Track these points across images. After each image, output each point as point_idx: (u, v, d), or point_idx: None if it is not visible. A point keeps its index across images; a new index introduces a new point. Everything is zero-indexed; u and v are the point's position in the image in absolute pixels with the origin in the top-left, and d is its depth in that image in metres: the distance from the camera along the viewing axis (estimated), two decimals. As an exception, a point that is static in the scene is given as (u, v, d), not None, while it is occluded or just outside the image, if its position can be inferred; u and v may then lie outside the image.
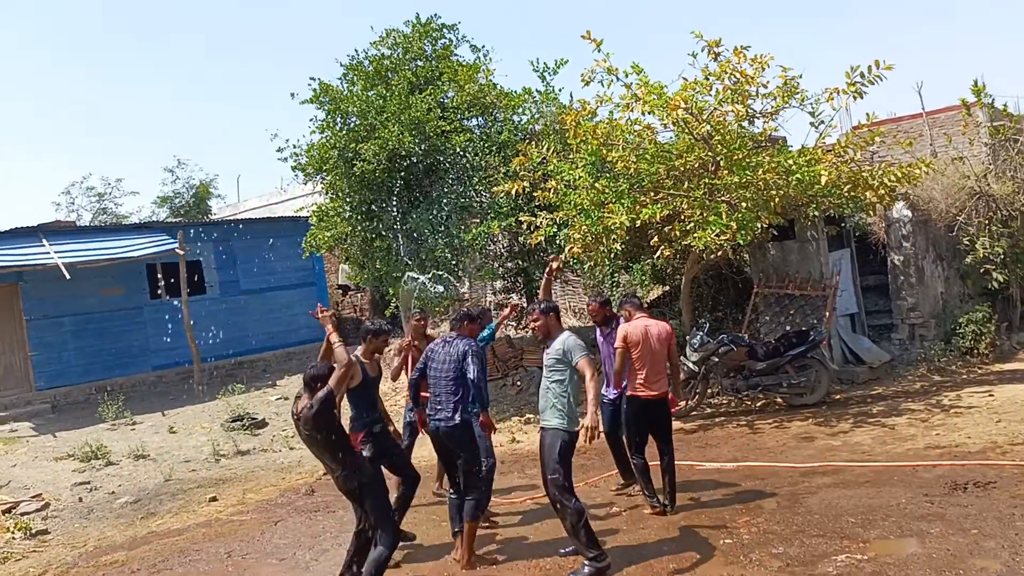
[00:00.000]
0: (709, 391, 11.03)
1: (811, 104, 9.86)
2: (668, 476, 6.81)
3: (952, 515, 5.85)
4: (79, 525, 8.49)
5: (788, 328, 11.61)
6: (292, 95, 14.06)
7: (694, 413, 10.71)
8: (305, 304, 18.69)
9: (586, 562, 5.51)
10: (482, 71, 13.19)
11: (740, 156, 9.65)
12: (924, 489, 6.52)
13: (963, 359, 11.76)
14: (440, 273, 12.18)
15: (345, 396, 6.21)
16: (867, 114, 10.38)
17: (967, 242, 12.30)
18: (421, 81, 13.25)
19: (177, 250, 15.58)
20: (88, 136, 62.97)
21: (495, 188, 11.81)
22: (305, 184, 15.35)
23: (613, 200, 9.97)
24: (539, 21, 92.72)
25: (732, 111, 9.63)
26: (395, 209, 12.87)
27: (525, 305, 14.42)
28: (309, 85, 13.07)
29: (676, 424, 9.85)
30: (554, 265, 7.57)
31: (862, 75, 9.29)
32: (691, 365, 10.54)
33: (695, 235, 9.39)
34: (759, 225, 9.47)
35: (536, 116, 13.11)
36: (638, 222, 9.81)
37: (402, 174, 12.63)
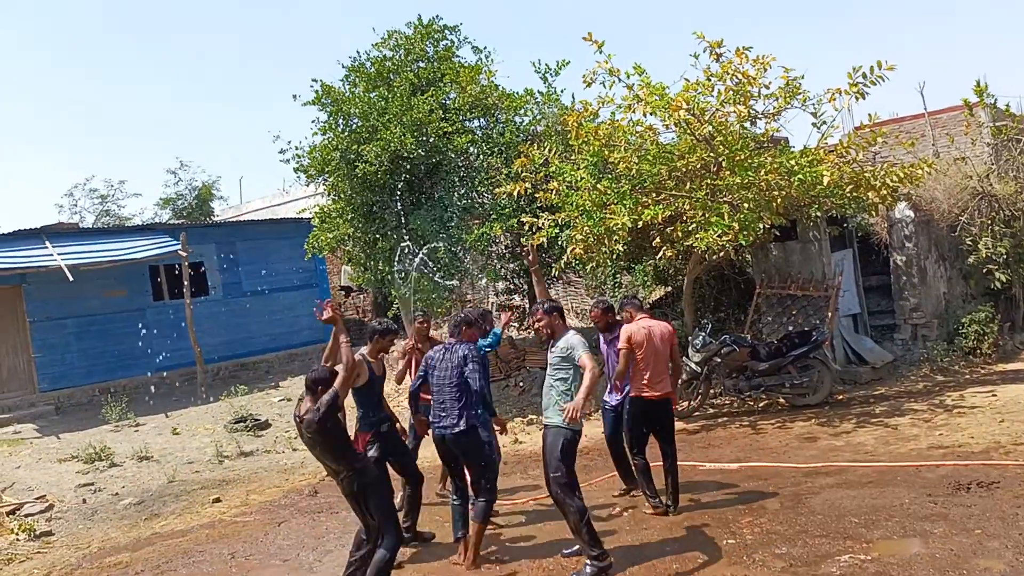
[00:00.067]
0: (712, 392, 11.02)
1: (813, 105, 9.87)
2: (671, 477, 6.81)
3: (955, 515, 5.85)
4: (83, 526, 8.50)
5: (790, 328, 11.61)
6: (294, 97, 14.18)
7: (697, 414, 10.71)
8: (307, 305, 18.66)
9: (588, 562, 5.52)
10: (484, 72, 13.20)
11: (742, 157, 9.65)
12: (927, 489, 6.52)
13: (966, 359, 11.77)
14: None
15: (350, 395, 6.22)
16: (869, 114, 10.41)
17: (970, 242, 12.30)
18: (423, 82, 13.27)
19: (180, 252, 15.60)
20: (91, 138, 63.09)
21: (497, 189, 11.81)
22: (307, 186, 15.37)
23: (615, 201, 9.98)
24: (540, 22, 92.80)
25: (734, 112, 9.64)
26: (398, 210, 12.88)
27: (527, 306, 14.45)
28: (311, 87, 13.11)
29: (679, 425, 9.85)
30: (531, 257, 7.51)
31: (864, 75, 9.29)
32: (693, 366, 10.54)
33: (697, 236, 9.40)
34: (761, 226, 9.47)
35: (538, 117, 13.12)
36: (640, 223, 9.82)
37: (404, 176, 12.64)
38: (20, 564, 7.46)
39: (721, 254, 10.28)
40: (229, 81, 72.75)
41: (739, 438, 9.35)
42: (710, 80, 9.74)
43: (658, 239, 10.16)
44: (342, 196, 13.17)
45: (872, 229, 12.60)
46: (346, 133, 12.80)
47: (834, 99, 9.61)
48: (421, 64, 13.57)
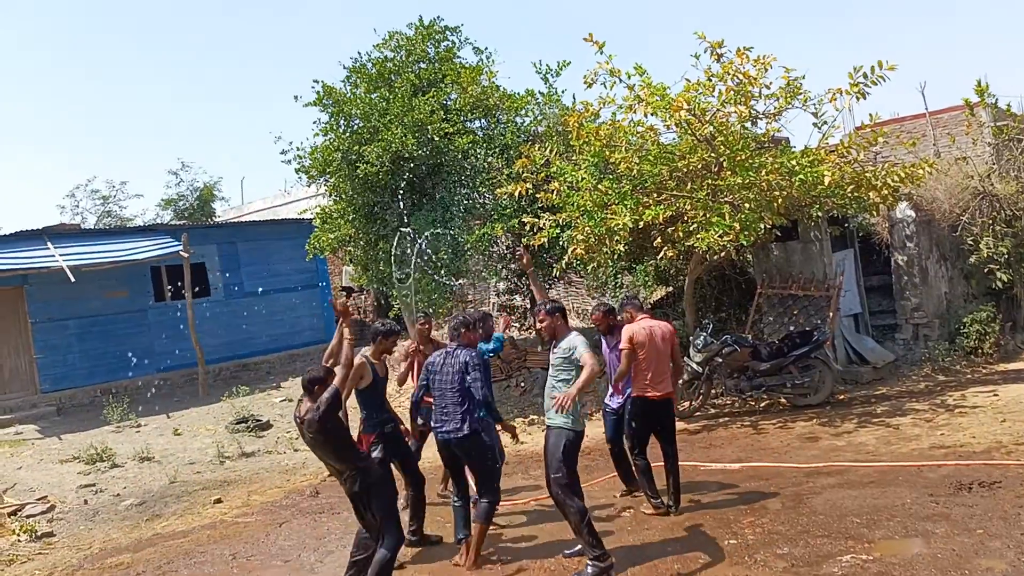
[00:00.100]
0: (713, 392, 11.02)
1: (814, 105, 9.86)
2: (672, 477, 6.81)
3: (957, 515, 5.84)
4: (84, 527, 8.51)
5: (792, 328, 11.61)
6: (296, 98, 14.14)
7: (698, 414, 10.71)
8: (309, 306, 18.74)
9: (589, 562, 5.51)
10: (485, 73, 13.21)
11: (743, 157, 9.65)
12: (929, 489, 6.51)
13: (967, 359, 11.76)
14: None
15: (353, 397, 6.23)
16: (870, 114, 10.40)
17: (971, 242, 12.30)
18: (424, 83, 13.27)
19: (181, 252, 15.61)
20: (92, 138, 63.16)
21: (498, 190, 11.81)
22: (309, 186, 15.39)
23: (616, 201, 9.98)
24: (541, 23, 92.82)
25: (735, 112, 9.64)
26: (399, 211, 12.89)
27: (528, 306, 14.45)
28: (312, 88, 13.12)
29: (680, 425, 9.86)
30: (524, 260, 7.49)
31: (865, 75, 9.28)
32: (695, 366, 10.54)
33: (698, 236, 9.39)
34: (762, 226, 9.47)
35: (539, 118, 13.12)
36: (641, 223, 9.82)
37: (405, 176, 12.64)
38: (22, 565, 7.47)
39: (722, 254, 10.27)
40: (230, 81, 72.83)
41: (740, 438, 9.35)
42: (711, 80, 9.74)
43: (659, 239, 10.16)
44: (343, 197, 13.18)
45: (873, 229, 12.59)
46: (347, 134, 12.81)
47: (835, 99, 9.61)
48: (422, 65, 13.58)
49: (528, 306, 14.80)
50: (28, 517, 8.76)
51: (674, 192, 10.12)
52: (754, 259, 12.90)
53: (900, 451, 7.93)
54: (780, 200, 9.57)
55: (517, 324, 15.47)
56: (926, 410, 9.46)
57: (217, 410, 13.95)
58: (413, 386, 7.34)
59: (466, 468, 6.25)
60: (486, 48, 13.87)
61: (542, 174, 11.12)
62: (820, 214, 10.78)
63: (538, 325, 6.01)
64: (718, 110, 9.81)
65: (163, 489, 9.74)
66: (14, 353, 15.19)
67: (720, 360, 10.53)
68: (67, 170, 56.04)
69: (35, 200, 57.52)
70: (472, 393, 5.89)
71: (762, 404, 10.86)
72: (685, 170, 10.14)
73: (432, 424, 6.16)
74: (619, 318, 7.16)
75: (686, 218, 9.82)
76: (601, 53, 9.89)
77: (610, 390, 7.34)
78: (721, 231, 9.17)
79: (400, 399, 12.25)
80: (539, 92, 12.99)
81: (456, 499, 6.35)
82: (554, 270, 11.95)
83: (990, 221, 12.37)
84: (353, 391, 6.23)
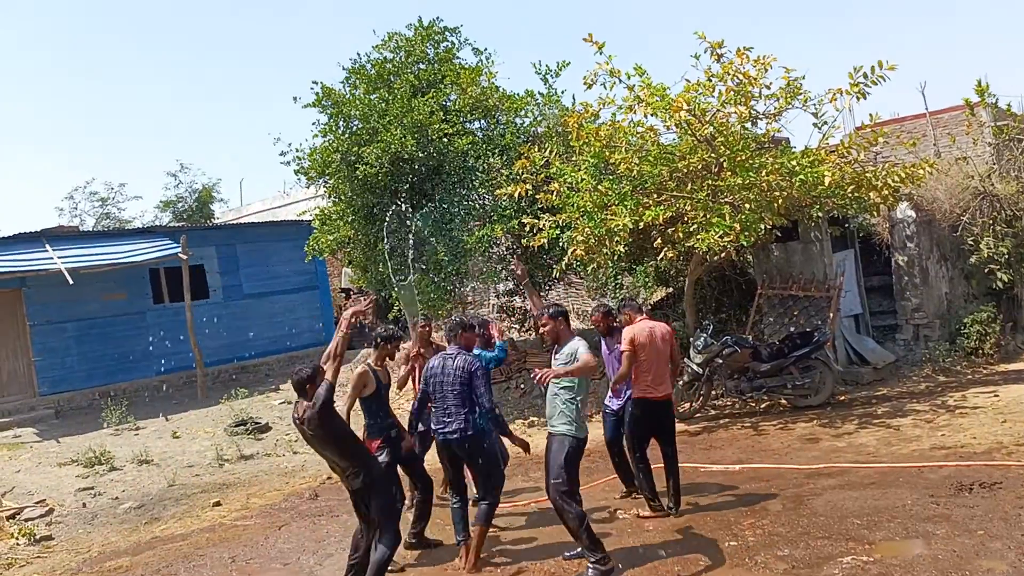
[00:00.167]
0: (713, 393, 11.00)
1: (814, 105, 9.85)
2: (672, 478, 6.80)
3: (958, 516, 5.82)
4: (83, 531, 8.49)
5: (792, 329, 11.59)
6: (295, 99, 14.11)
7: (698, 415, 10.69)
8: (308, 308, 18.72)
9: (590, 565, 5.50)
10: (484, 74, 13.20)
11: (743, 157, 9.64)
12: (929, 490, 6.49)
13: (968, 359, 11.74)
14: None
15: (358, 403, 6.21)
16: (870, 114, 10.39)
17: (971, 242, 12.28)
18: (423, 84, 13.26)
19: (180, 255, 15.60)
20: (91, 138, 63.17)
21: (498, 191, 11.80)
22: (308, 188, 15.37)
23: (616, 202, 9.96)
24: (541, 23, 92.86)
25: (735, 112, 9.63)
26: (399, 212, 12.86)
27: (528, 309, 14.42)
28: (311, 89, 13.10)
29: (681, 426, 9.84)
30: (518, 271, 7.44)
31: (865, 76, 9.27)
32: (695, 367, 10.52)
33: (698, 237, 9.38)
34: (762, 226, 9.45)
35: (538, 119, 13.11)
36: (641, 224, 9.80)
37: (405, 177, 12.63)
38: (20, 568, 7.44)
39: (722, 255, 10.26)
40: (229, 82, 72.84)
41: (741, 439, 9.33)
42: (711, 81, 9.73)
43: (659, 240, 10.14)
44: (343, 198, 13.16)
45: (874, 229, 12.58)
46: (347, 135, 12.79)
47: (835, 99, 9.60)
48: (421, 66, 13.57)
49: (528, 308, 14.77)
50: (27, 520, 8.74)
51: (674, 193, 10.10)
52: (754, 260, 12.89)
53: (901, 452, 7.91)
54: (780, 200, 9.56)
55: (517, 326, 15.46)
56: (927, 411, 9.44)
57: (216, 413, 13.93)
58: (413, 389, 7.33)
59: (466, 470, 6.23)
60: (485, 49, 13.89)
61: (542, 175, 11.11)
62: (820, 214, 10.77)
63: (541, 329, 5.98)
64: (718, 110, 9.79)
65: (162, 492, 9.71)
66: (12, 356, 15.17)
67: (720, 361, 10.51)
68: (66, 170, 55.97)
69: (34, 202, 57.57)
70: (481, 402, 5.89)
71: (762, 405, 10.84)
72: (685, 171, 10.13)
73: (433, 426, 6.14)
74: (618, 320, 7.16)
75: (686, 219, 9.80)
76: (601, 53, 9.88)
77: (610, 392, 7.32)
78: (721, 232, 9.15)
79: (399, 402, 12.23)
80: (539, 93, 12.98)
81: (455, 500, 6.33)
82: (554, 271, 11.94)
83: (990, 221, 12.36)
84: (357, 399, 6.22)
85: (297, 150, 13.50)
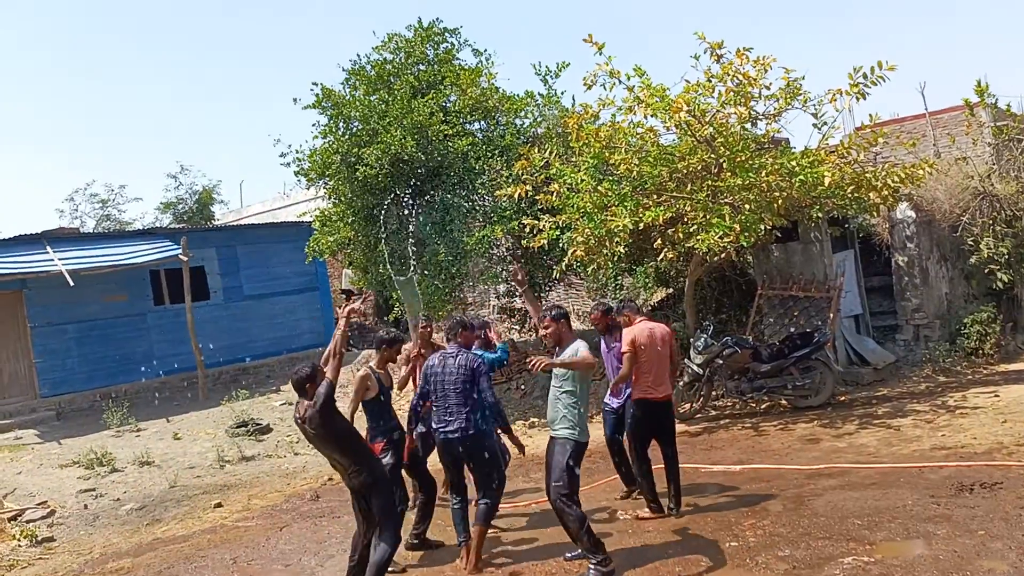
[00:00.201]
0: (713, 393, 11.01)
1: (814, 105, 9.86)
2: (672, 479, 6.81)
3: (958, 516, 5.83)
4: (85, 532, 8.49)
5: (792, 330, 11.60)
6: (295, 100, 14.14)
7: (699, 416, 10.69)
8: (308, 309, 18.73)
9: (591, 566, 5.51)
10: (484, 75, 13.20)
11: (743, 158, 9.65)
12: (930, 491, 6.50)
13: (968, 360, 11.74)
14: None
15: (361, 407, 6.23)
16: (870, 115, 10.39)
17: (971, 242, 12.28)
18: (423, 85, 13.27)
19: (180, 256, 15.61)
20: (91, 139, 63.19)
21: (498, 192, 11.80)
22: (308, 189, 15.38)
23: (616, 203, 9.97)
24: (541, 24, 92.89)
25: (735, 113, 9.63)
26: (399, 213, 12.87)
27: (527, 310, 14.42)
28: (311, 90, 13.12)
29: (681, 427, 9.85)
30: (517, 277, 7.42)
31: (865, 76, 9.28)
32: (695, 367, 10.52)
33: (698, 237, 9.39)
34: (762, 227, 9.46)
35: (538, 120, 13.12)
36: (641, 225, 9.81)
37: (405, 179, 12.64)
38: (22, 570, 7.46)
39: (722, 255, 10.26)
40: (229, 83, 72.85)
41: (741, 440, 9.34)
42: (711, 81, 9.73)
43: (659, 241, 10.15)
44: (343, 199, 13.17)
45: (873, 230, 12.58)
46: (347, 136, 12.80)
47: (835, 100, 9.61)
48: (421, 67, 13.58)
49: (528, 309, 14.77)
50: (28, 522, 8.75)
51: (674, 193, 10.11)
52: (754, 260, 12.89)
53: (901, 452, 7.91)
54: (780, 201, 9.56)
55: (517, 327, 15.47)
56: (927, 411, 9.44)
57: (217, 414, 13.93)
58: (413, 389, 7.33)
59: (466, 470, 6.24)
60: (485, 50, 13.91)
61: (542, 176, 11.12)
62: (820, 215, 10.78)
63: (542, 332, 5.97)
64: (718, 111, 9.80)
65: (163, 493, 9.72)
66: (13, 358, 15.18)
67: (721, 362, 10.52)
68: (67, 172, 56.11)
69: (34, 204, 57.58)
70: (484, 398, 5.92)
71: (763, 406, 10.84)
72: (685, 171, 10.13)
73: (433, 424, 6.14)
74: (617, 321, 7.18)
75: (686, 219, 9.81)
76: (601, 54, 9.89)
77: (610, 390, 7.35)
78: (721, 232, 9.16)
79: (399, 402, 12.24)
80: (538, 94, 12.99)
81: (455, 501, 6.34)
82: (554, 272, 11.94)
83: (990, 221, 12.36)
84: (360, 403, 6.24)
85: (297, 151, 13.53)
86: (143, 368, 16.33)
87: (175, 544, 7.69)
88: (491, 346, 7.16)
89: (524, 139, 12.75)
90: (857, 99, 9.42)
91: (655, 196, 10.16)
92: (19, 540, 8.11)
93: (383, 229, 12.93)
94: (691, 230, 9.61)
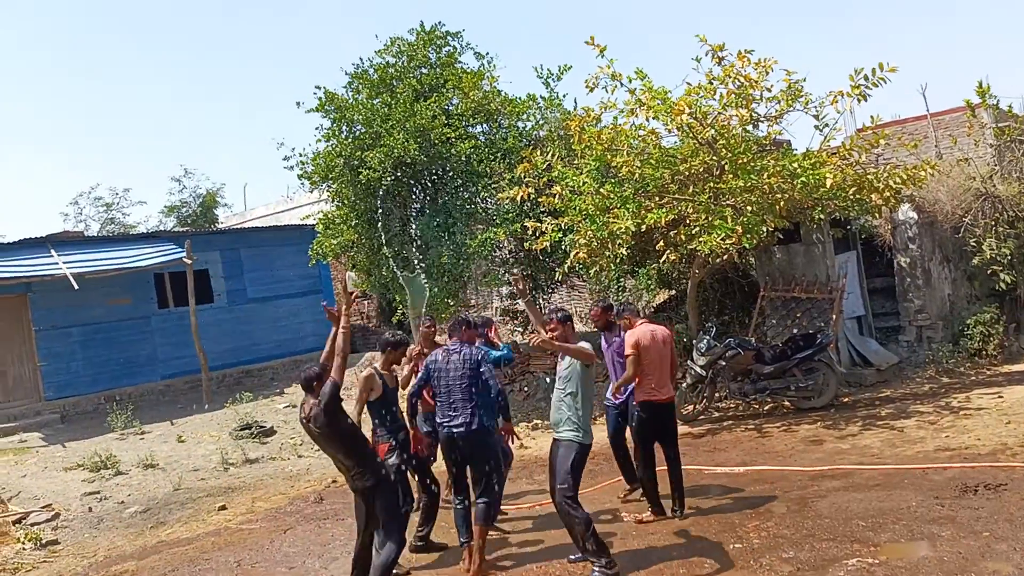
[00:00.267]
0: (716, 395, 11.01)
1: (815, 107, 9.88)
2: (675, 481, 6.82)
3: (963, 518, 5.83)
4: (89, 535, 8.51)
5: (795, 331, 11.60)
6: (298, 104, 14.13)
7: (702, 417, 10.70)
8: (312, 312, 18.74)
9: (595, 568, 5.52)
10: (486, 78, 13.23)
11: (745, 160, 9.66)
12: (934, 492, 6.50)
13: (971, 360, 11.74)
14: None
15: (366, 409, 6.25)
16: (871, 116, 10.40)
17: (973, 243, 12.28)
18: (426, 89, 13.30)
19: (184, 259, 15.64)
20: (95, 146, 63.30)
21: (500, 194, 11.83)
22: (311, 192, 15.40)
23: (618, 205, 9.99)
24: (542, 26, 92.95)
25: (736, 115, 9.65)
26: (401, 216, 12.90)
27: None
28: (314, 94, 13.18)
29: (684, 428, 9.86)
30: (519, 286, 7.45)
31: (866, 78, 9.29)
32: (698, 369, 10.53)
33: (700, 239, 9.40)
34: (764, 228, 9.48)
35: (540, 122, 13.14)
36: (643, 227, 9.83)
37: (408, 181, 12.66)
38: (27, 573, 7.48)
39: (725, 257, 10.27)
40: (232, 86, 73.00)
41: (744, 442, 9.34)
42: (712, 84, 9.75)
43: (661, 243, 10.17)
44: (346, 202, 13.20)
45: (876, 231, 12.58)
46: (349, 139, 12.83)
47: (836, 101, 9.63)
48: (424, 70, 13.61)
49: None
50: (33, 525, 8.77)
51: (676, 196, 10.12)
52: (757, 262, 12.89)
53: (905, 454, 7.91)
54: (782, 203, 9.58)
55: (520, 329, 15.48)
56: (930, 412, 9.44)
57: (221, 417, 13.95)
58: None
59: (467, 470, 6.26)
60: (487, 53, 13.93)
61: (544, 178, 11.14)
62: (822, 216, 10.79)
63: (548, 334, 6.01)
64: (719, 113, 9.82)
65: (167, 496, 9.74)
66: (18, 361, 15.21)
67: (724, 363, 10.52)
68: (69, 172, 56.09)
69: (38, 208, 57.71)
70: (489, 385, 5.97)
71: (766, 407, 10.84)
72: (687, 173, 10.15)
73: (438, 419, 6.16)
74: (618, 325, 7.22)
75: (688, 221, 9.82)
76: (602, 57, 9.91)
77: (610, 388, 7.38)
78: (723, 234, 9.17)
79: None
80: (540, 97, 13.02)
81: (457, 501, 6.36)
82: (556, 274, 11.96)
83: (993, 222, 12.35)
84: (365, 404, 6.26)
85: (300, 155, 13.56)
86: (147, 371, 16.35)
87: (179, 547, 7.71)
88: (493, 345, 7.19)
89: (526, 142, 12.78)
90: (858, 101, 9.45)
91: (657, 198, 10.17)
92: (23, 543, 8.12)
93: (386, 232, 12.96)
94: (693, 232, 9.62)
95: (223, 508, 8.98)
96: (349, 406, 5.88)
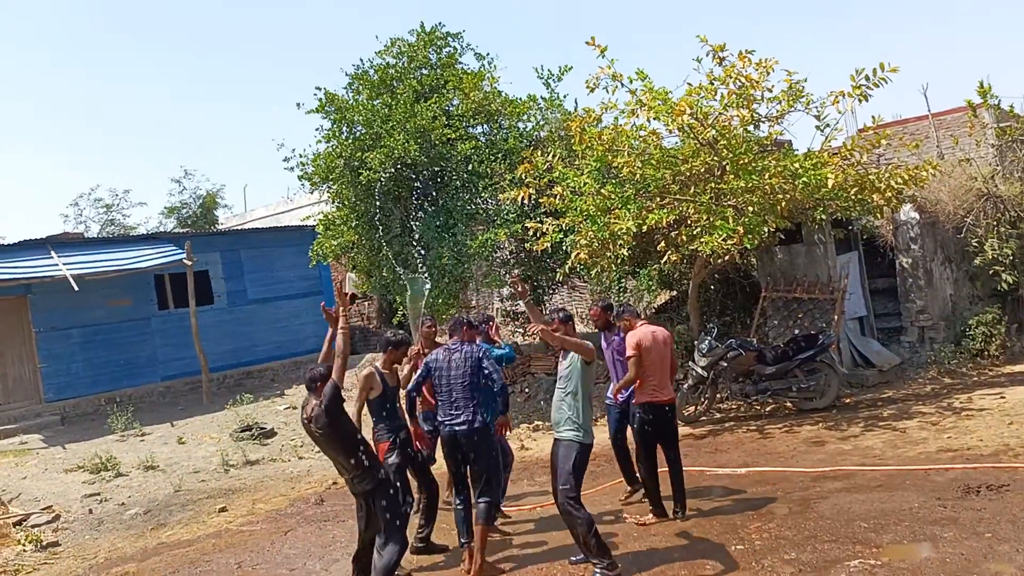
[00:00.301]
0: (718, 396, 11.00)
1: (816, 107, 9.87)
2: (676, 482, 6.81)
3: (965, 519, 5.81)
4: (89, 537, 8.50)
5: (797, 332, 11.57)
6: (298, 105, 14.12)
7: (703, 418, 10.68)
8: (312, 313, 18.74)
9: (597, 570, 5.51)
10: (487, 79, 13.23)
11: (746, 160, 9.65)
12: (936, 493, 6.48)
13: (973, 361, 11.72)
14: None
15: (367, 407, 6.24)
16: (873, 116, 10.41)
17: (975, 244, 12.27)
18: (426, 89, 13.30)
19: (185, 260, 15.63)
20: (95, 147, 63.34)
21: (501, 195, 11.82)
22: (311, 193, 15.40)
23: (619, 206, 9.98)
24: (542, 27, 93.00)
25: (737, 115, 9.63)
26: (402, 217, 12.88)
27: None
28: (315, 95, 13.17)
29: (686, 429, 9.85)
30: (518, 287, 7.39)
31: (867, 78, 9.28)
32: (700, 370, 10.51)
33: (702, 240, 9.39)
34: (766, 229, 9.46)
35: (541, 123, 13.14)
36: (644, 227, 9.81)
37: (408, 182, 12.65)
38: (27, 575, 7.45)
39: (726, 258, 10.25)
40: (233, 86, 73.03)
41: (746, 443, 9.32)
42: (713, 84, 9.74)
43: (663, 243, 10.16)
44: (346, 203, 13.20)
45: (877, 231, 12.57)
46: (350, 141, 12.83)
47: (837, 102, 9.61)
48: (424, 71, 13.61)
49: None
50: (33, 527, 8.76)
51: (677, 196, 10.11)
52: (758, 262, 12.88)
53: (907, 455, 7.90)
54: (783, 203, 9.56)
55: (521, 330, 15.47)
56: (933, 413, 9.42)
57: (221, 418, 13.94)
58: None
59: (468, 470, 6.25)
60: (488, 54, 13.94)
61: (545, 179, 11.13)
62: (824, 217, 10.78)
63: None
64: (720, 114, 9.80)
65: (168, 498, 9.73)
66: (18, 362, 15.21)
67: (725, 364, 10.50)
68: (71, 176, 56.24)
69: (38, 209, 57.74)
70: (492, 384, 6.00)
71: (768, 408, 10.83)
72: (688, 174, 10.14)
73: (440, 418, 6.15)
74: (618, 326, 7.21)
75: (689, 222, 9.81)
76: (603, 57, 9.91)
77: (611, 387, 7.37)
78: (725, 235, 9.16)
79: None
80: (541, 97, 13.03)
81: (458, 502, 6.34)
82: (557, 275, 11.95)
83: (994, 222, 12.33)
84: (365, 403, 6.25)
85: (301, 156, 13.57)
86: (147, 372, 16.35)
87: (180, 549, 7.69)
88: (493, 343, 7.19)
89: (527, 142, 12.78)
90: (860, 101, 9.43)
91: (658, 199, 10.16)
92: (24, 545, 8.11)
93: (386, 233, 12.96)
94: (695, 233, 9.61)
95: (223, 510, 8.97)
96: (351, 407, 5.87)
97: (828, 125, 10.05)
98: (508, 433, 6.70)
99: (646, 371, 6.65)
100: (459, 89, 12.96)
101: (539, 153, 11.08)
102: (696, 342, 10.90)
